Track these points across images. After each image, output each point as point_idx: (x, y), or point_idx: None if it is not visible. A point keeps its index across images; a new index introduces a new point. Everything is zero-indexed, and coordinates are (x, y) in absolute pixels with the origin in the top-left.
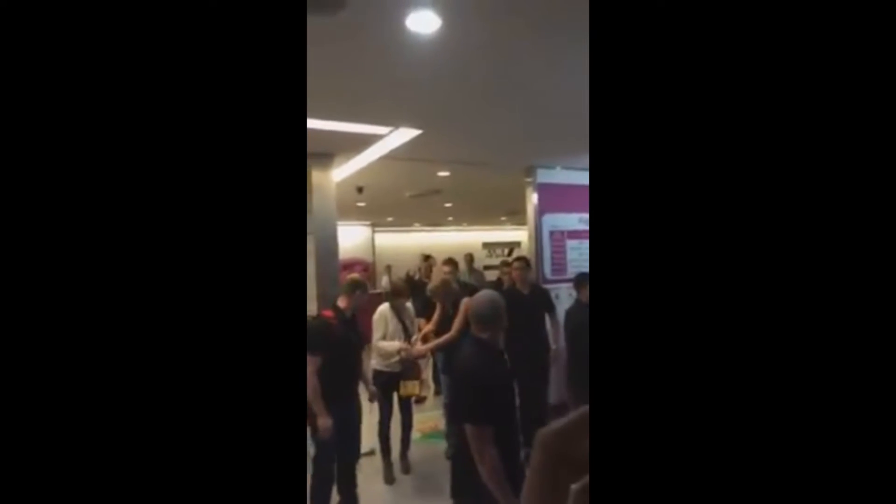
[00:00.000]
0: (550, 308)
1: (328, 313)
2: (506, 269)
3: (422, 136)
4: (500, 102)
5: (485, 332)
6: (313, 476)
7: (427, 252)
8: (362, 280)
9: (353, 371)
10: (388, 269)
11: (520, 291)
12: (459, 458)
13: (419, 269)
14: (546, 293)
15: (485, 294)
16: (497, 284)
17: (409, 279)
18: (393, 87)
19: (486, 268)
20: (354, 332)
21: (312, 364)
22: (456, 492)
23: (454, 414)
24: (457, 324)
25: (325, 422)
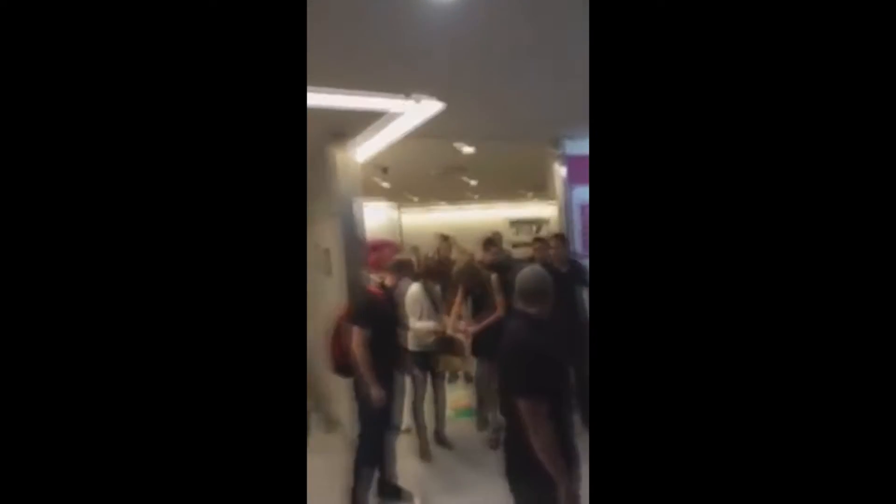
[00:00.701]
0: (587, 284)
1: (374, 289)
2: (537, 246)
3: (445, 111)
4: (524, 72)
5: (532, 307)
6: (359, 450)
7: (452, 231)
8: (409, 260)
9: (396, 347)
10: (416, 249)
11: (558, 269)
12: (512, 437)
13: (437, 250)
14: (583, 269)
15: (531, 269)
16: (529, 262)
17: (427, 260)
18: (414, 58)
19: (515, 245)
20: (397, 310)
21: (360, 336)
22: (510, 471)
23: (505, 391)
24: (500, 301)
25: (378, 392)
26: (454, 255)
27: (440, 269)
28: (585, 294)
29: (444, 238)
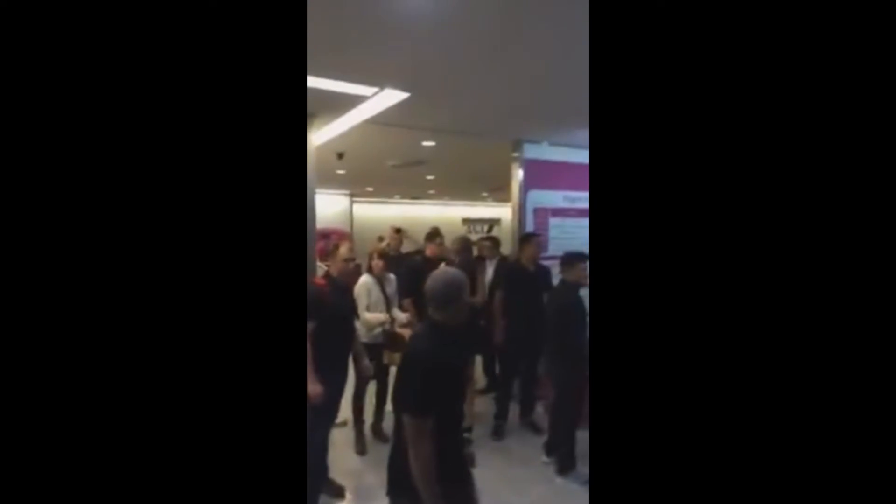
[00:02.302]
0: (549, 286)
1: (319, 281)
2: (484, 244)
3: (408, 100)
4: (492, 70)
5: (439, 314)
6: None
7: (406, 225)
8: (351, 247)
9: (344, 341)
10: (381, 239)
11: (525, 267)
12: (397, 451)
13: (388, 243)
14: (548, 272)
15: (441, 273)
16: (478, 258)
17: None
18: (381, 44)
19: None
20: (346, 302)
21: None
22: (392, 489)
23: (395, 402)
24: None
25: (313, 388)
26: (406, 247)
27: (394, 260)
28: (543, 294)
29: (397, 230)
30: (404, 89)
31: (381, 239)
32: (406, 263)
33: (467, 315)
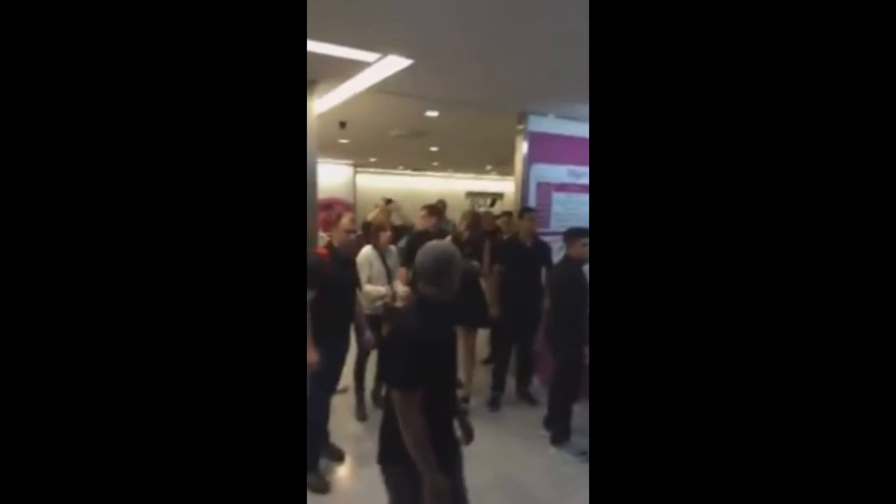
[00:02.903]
0: (548, 263)
1: (321, 250)
2: (504, 219)
3: (412, 68)
4: (499, 39)
5: (428, 288)
6: (308, 412)
7: (409, 197)
8: (353, 218)
9: (345, 312)
10: (397, 209)
11: (523, 243)
12: (388, 422)
13: (375, 215)
14: (547, 248)
15: (430, 247)
16: (493, 234)
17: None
18: (383, 9)
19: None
20: (348, 273)
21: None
22: (383, 458)
23: (382, 376)
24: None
25: (311, 356)
26: (395, 220)
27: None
28: (543, 270)
29: (388, 202)
30: (408, 56)
31: (382, 204)
32: (408, 236)
33: (452, 288)
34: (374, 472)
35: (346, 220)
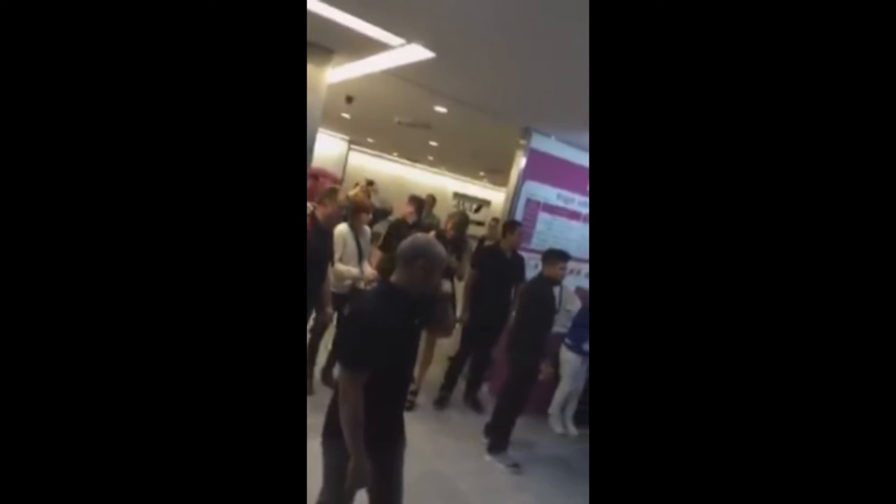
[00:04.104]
0: (522, 276)
1: None
2: (492, 224)
3: (432, 61)
4: (521, 53)
5: (398, 273)
6: None
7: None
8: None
9: (315, 285)
10: (369, 184)
11: (503, 253)
12: (336, 398)
13: (355, 193)
14: (523, 262)
15: (419, 236)
16: (480, 241)
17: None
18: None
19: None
20: (325, 246)
21: None
22: (326, 432)
23: (337, 352)
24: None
25: None
26: (375, 202)
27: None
28: (513, 282)
29: (369, 183)
30: (431, 48)
31: (365, 184)
32: (388, 222)
33: (424, 282)
34: (314, 446)
35: (342, 196)
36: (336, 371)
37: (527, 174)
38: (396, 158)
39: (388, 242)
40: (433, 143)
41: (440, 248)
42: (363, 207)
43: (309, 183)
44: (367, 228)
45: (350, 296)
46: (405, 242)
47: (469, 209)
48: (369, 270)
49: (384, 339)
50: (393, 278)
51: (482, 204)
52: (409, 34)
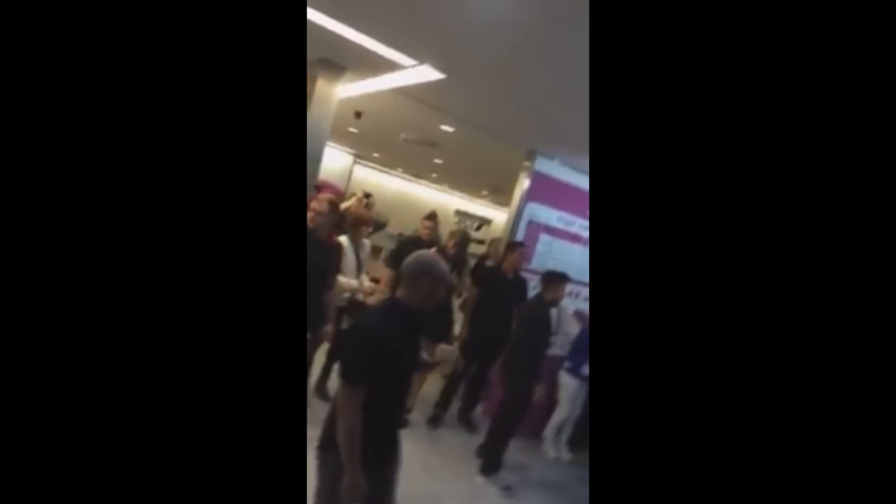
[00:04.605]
0: (523, 298)
1: None
2: (492, 244)
3: (442, 82)
4: (530, 78)
5: (402, 290)
6: None
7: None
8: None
9: (313, 298)
10: (365, 196)
11: (504, 273)
12: (334, 411)
13: (353, 205)
14: (525, 284)
15: (422, 253)
16: (480, 259)
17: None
18: (433, 18)
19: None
20: (322, 258)
21: None
22: (322, 445)
23: (339, 368)
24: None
25: None
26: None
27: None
28: (514, 303)
29: (367, 195)
30: (442, 70)
31: (359, 195)
32: (405, 241)
33: (429, 299)
34: (307, 460)
35: (315, 203)
36: (330, 385)
37: (529, 195)
38: (401, 174)
39: (398, 259)
40: (438, 161)
41: (444, 266)
42: (363, 220)
43: (312, 194)
44: (366, 241)
45: (349, 308)
46: (410, 259)
47: (470, 227)
48: (367, 283)
49: (387, 356)
50: (398, 294)
51: (483, 222)
52: (421, 55)
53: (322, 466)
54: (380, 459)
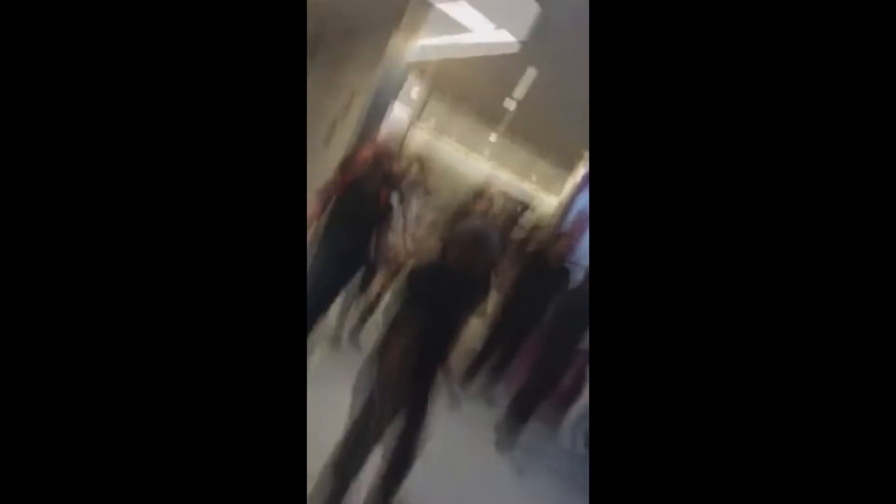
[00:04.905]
0: (562, 289)
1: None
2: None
3: (516, 55)
4: None
5: (452, 256)
6: None
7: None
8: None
9: (361, 248)
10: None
11: (548, 260)
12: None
13: (409, 167)
14: (567, 274)
15: (473, 221)
16: (520, 243)
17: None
18: None
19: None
20: (372, 214)
21: None
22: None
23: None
24: None
25: None
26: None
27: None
28: (557, 298)
29: (423, 160)
30: (517, 37)
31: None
32: (457, 211)
33: (473, 267)
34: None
35: (365, 152)
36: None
37: (581, 186)
38: (454, 144)
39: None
40: (492, 138)
41: (496, 240)
42: (417, 183)
43: (365, 152)
44: (414, 205)
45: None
46: (464, 225)
47: (514, 210)
48: (411, 245)
49: (441, 291)
50: (449, 259)
51: (526, 207)
52: (498, 20)
53: (358, 391)
54: (411, 409)
